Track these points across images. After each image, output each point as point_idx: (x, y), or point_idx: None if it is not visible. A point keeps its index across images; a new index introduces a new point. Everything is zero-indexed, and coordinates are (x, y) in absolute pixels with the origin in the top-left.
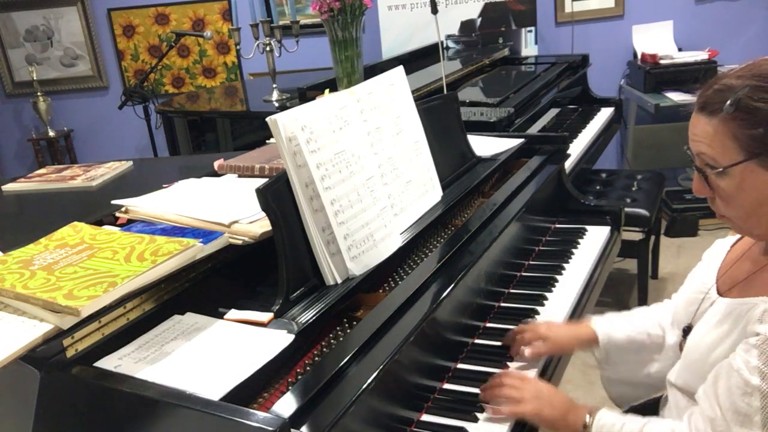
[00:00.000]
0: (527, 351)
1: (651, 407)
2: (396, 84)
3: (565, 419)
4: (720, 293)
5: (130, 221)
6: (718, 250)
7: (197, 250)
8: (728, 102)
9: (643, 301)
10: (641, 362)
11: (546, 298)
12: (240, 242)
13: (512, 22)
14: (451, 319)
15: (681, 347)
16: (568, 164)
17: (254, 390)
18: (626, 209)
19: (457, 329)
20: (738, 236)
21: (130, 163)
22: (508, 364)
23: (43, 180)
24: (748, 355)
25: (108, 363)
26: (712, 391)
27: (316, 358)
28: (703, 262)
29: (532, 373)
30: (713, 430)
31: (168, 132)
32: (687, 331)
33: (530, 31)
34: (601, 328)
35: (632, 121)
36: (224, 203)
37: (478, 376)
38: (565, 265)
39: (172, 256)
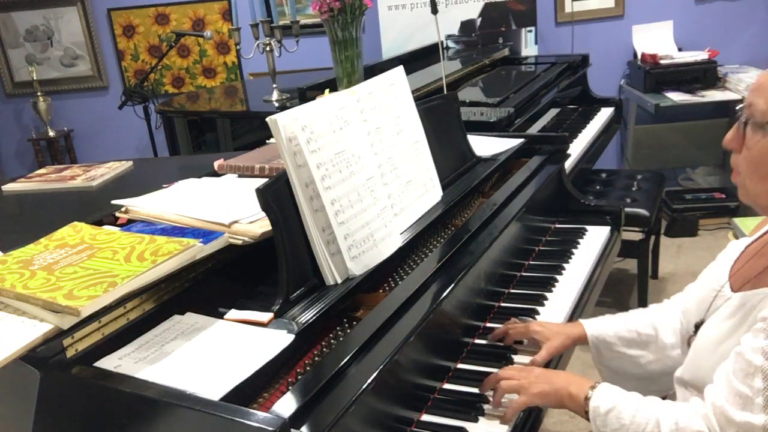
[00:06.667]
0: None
1: None
2: (396, 84)
3: (567, 390)
4: (733, 290)
5: (130, 221)
6: (732, 249)
7: (197, 250)
8: None
9: (643, 301)
10: (633, 356)
11: (546, 298)
12: (240, 242)
13: (512, 22)
14: (451, 319)
15: (689, 343)
16: (568, 164)
17: (254, 390)
18: (626, 209)
19: (457, 329)
20: (753, 237)
21: (130, 163)
22: (508, 365)
23: (43, 180)
24: (755, 339)
25: (108, 363)
26: (716, 378)
27: (316, 358)
28: (716, 261)
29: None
30: (713, 413)
31: (168, 132)
32: (699, 326)
33: (530, 31)
34: (590, 326)
35: (632, 121)
36: (224, 203)
37: (478, 376)
38: (565, 265)
39: (172, 256)
